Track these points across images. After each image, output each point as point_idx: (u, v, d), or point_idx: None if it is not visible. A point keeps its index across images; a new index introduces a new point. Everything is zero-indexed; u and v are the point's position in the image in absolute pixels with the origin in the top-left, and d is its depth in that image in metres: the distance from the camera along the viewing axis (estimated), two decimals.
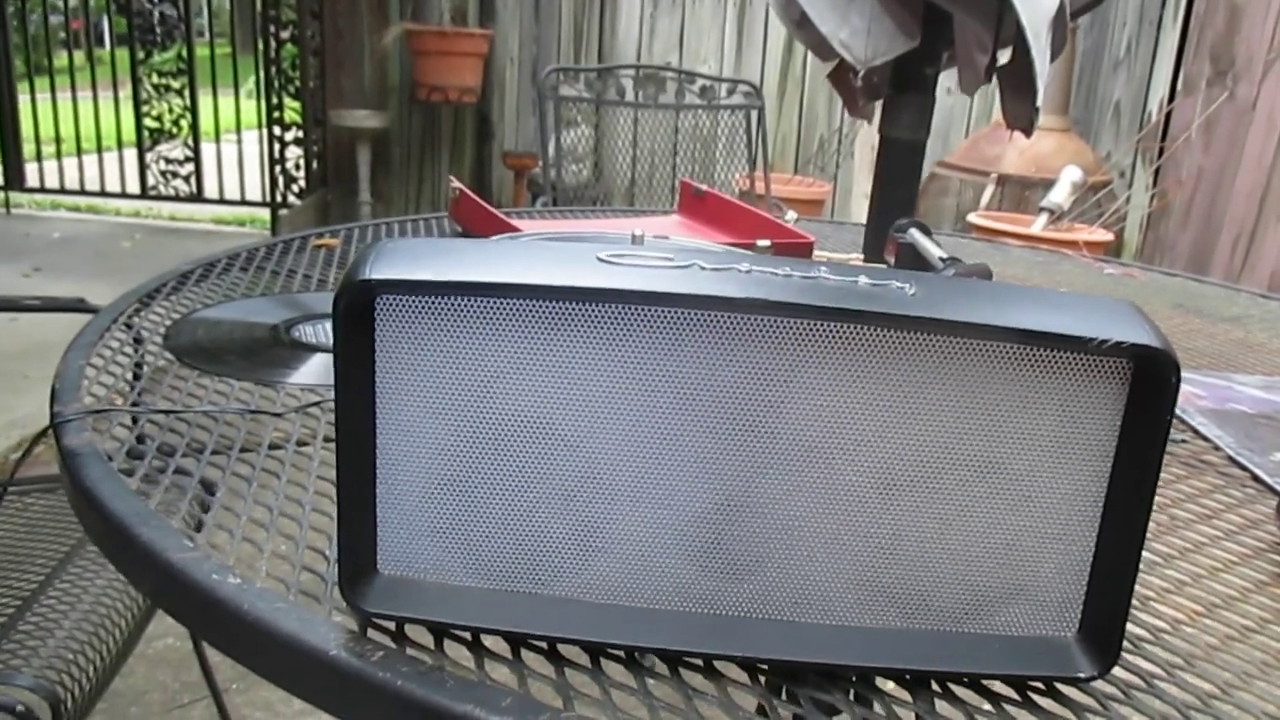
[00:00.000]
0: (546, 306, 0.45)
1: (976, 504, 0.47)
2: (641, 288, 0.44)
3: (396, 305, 0.45)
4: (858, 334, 0.45)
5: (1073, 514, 0.47)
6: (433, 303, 0.45)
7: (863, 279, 0.46)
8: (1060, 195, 2.80)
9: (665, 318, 0.45)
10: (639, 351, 0.45)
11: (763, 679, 0.49)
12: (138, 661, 1.83)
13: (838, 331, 0.44)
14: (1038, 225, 2.78)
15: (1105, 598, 0.48)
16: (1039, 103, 0.92)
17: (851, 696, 0.49)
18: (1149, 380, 0.44)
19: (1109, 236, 2.90)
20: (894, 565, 0.48)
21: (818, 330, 0.44)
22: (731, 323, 0.44)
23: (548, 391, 0.46)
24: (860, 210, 4.32)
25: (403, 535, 0.49)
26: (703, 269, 0.46)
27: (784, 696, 0.48)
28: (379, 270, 0.45)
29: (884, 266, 0.96)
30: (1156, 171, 3.71)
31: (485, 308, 0.45)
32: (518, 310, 0.45)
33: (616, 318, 0.45)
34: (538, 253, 0.48)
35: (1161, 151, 3.66)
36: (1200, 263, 3.42)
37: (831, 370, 0.45)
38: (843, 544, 0.48)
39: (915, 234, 0.88)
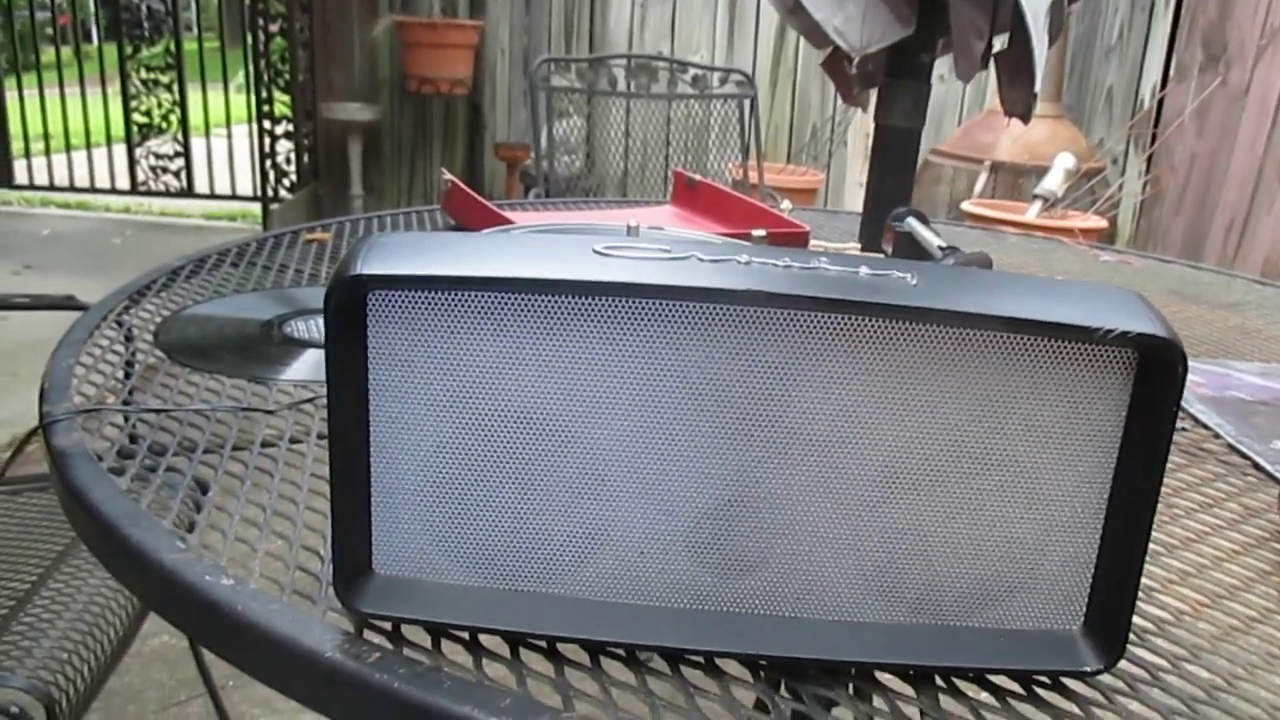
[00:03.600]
0: (542, 300, 0.44)
1: (981, 497, 0.46)
2: (639, 280, 0.43)
3: (388, 301, 0.45)
4: (859, 326, 0.44)
5: (1078, 506, 0.46)
6: (425, 298, 0.44)
7: (864, 269, 0.45)
8: (1054, 182, 2.80)
9: (663, 310, 0.44)
10: (637, 345, 0.44)
11: (764, 675, 0.49)
12: (133, 660, 1.82)
13: (839, 323, 0.44)
14: (1031, 212, 2.77)
15: (1111, 590, 0.47)
16: (1037, 89, 0.91)
17: (853, 692, 0.48)
18: (1155, 370, 0.44)
19: (1103, 223, 2.89)
20: (898, 559, 0.48)
21: (819, 322, 0.44)
22: (731, 315, 0.44)
23: (545, 387, 0.46)
24: (854, 199, 4.31)
25: (398, 535, 0.48)
26: (701, 260, 0.45)
27: (785, 692, 0.47)
28: (370, 265, 0.44)
29: (882, 256, 0.96)
30: (1149, 158, 3.70)
31: (479, 302, 0.44)
32: (512, 305, 0.44)
33: (614, 311, 0.44)
34: (532, 246, 0.47)
35: (1154, 138, 3.66)
36: (1194, 249, 3.42)
37: (833, 362, 0.44)
38: (846, 538, 0.47)
39: (913, 223, 0.87)
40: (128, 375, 0.83)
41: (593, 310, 0.44)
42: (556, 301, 0.44)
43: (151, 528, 0.56)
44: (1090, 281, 0.47)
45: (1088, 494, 0.46)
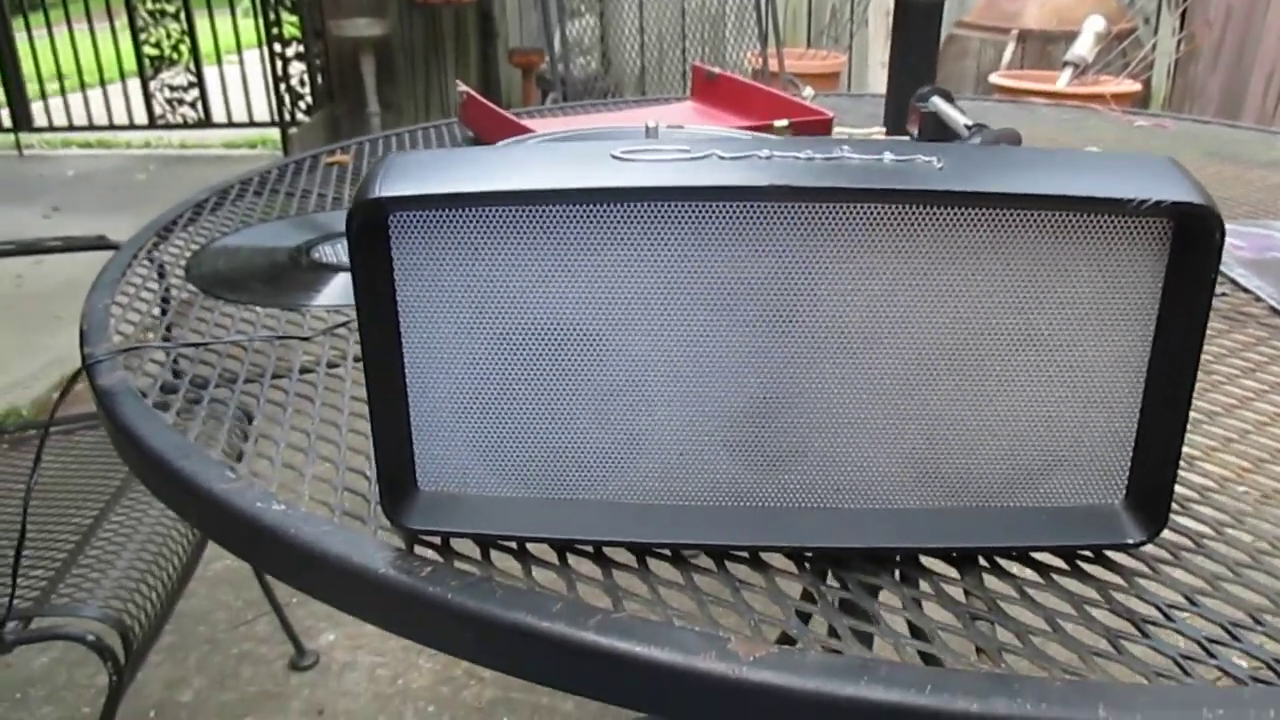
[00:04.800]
0: (562, 211, 0.44)
1: (1016, 377, 0.46)
2: (659, 183, 0.43)
3: (410, 221, 0.44)
4: (885, 214, 0.43)
5: (1116, 380, 0.46)
6: (447, 216, 0.44)
7: (887, 155, 0.44)
8: (1084, 47, 2.71)
9: (686, 212, 0.43)
10: (662, 248, 0.44)
11: (809, 566, 0.49)
12: (199, 583, 1.88)
13: (865, 213, 0.43)
14: (1062, 81, 2.70)
15: (1152, 462, 0.47)
16: None
17: (898, 577, 0.49)
18: (1191, 237, 0.43)
19: (1136, 87, 2.81)
20: (935, 444, 0.48)
21: (845, 213, 0.43)
22: (755, 212, 0.43)
23: (573, 296, 0.45)
24: (878, 80, 4.21)
25: (440, 452, 0.49)
26: (721, 158, 0.44)
27: (832, 581, 0.48)
28: (389, 187, 0.44)
29: (907, 139, 0.94)
30: (1183, 14, 3.57)
31: (500, 217, 0.44)
32: (533, 217, 0.44)
33: (636, 216, 0.44)
34: (550, 156, 0.47)
35: None
36: (1232, 107, 3.31)
37: (862, 253, 0.44)
38: (883, 427, 0.47)
39: (938, 102, 0.85)
40: (163, 311, 0.84)
41: (614, 217, 0.44)
42: (577, 211, 0.44)
43: (201, 459, 0.57)
44: (1121, 151, 0.45)
45: (1126, 367, 0.46)
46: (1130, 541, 0.48)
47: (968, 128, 0.80)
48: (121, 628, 1.06)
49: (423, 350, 0.47)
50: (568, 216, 0.44)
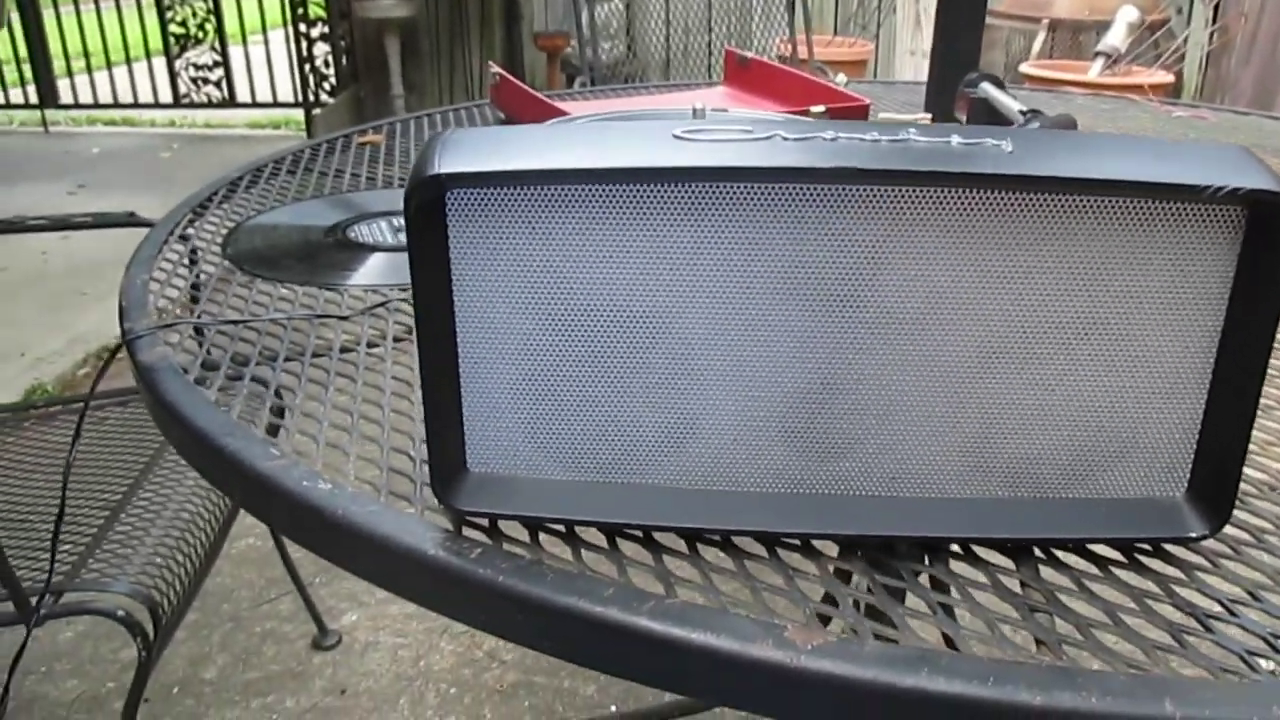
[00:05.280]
0: (626, 190, 0.43)
1: (1080, 366, 0.45)
2: (726, 164, 0.42)
3: (469, 199, 0.44)
4: (954, 198, 0.42)
5: (1182, 371, 0.45)
6: (506, 194, 0.44)
7: (955, 139, 0.43)
8: (1116, 38, 2.69)
9: (751, 193, 0.43)
10: (727, 230, 0.43)
11: (861, 554, 0.49)
12: (223, 561, 1.88)
13: (933, 196, 0.42)
14: (1094, 71, 2.67)
15: (1217, 455, 0.46)
16: None
17: (952, 568, 0.48)
18: (1266, 226, 0.42)
19: (1169, 78, 2.78)
20: (995, 434, 0.47)
21: (912, 196, 0.42)
22: (821, 194, 0.42)
23: (631, 277, 0.45)
24: (905, 68, 4.17)
25: (491, 433, 0.49)
26: (785, 139, 0.43)
27: (884, 570, 0.47)
28: (447, 164, 0.43)
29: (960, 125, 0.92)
30: (1216, 7, 3.52)
31: (561, 196, 0.43)
32: (596, 196, 0.43)
33: (700, 197, 0.43)
34: (608, 134, 0.46)
35: None
36: (1265, 98, 3.27)
37: (927, 237, 0.43)
38: (942, 416, 0.47)
39: (988, 88, 0.83)
40: (198, 288, 0.84)
41: (678, 197, 0.43)
42: (641, 190, 0.43)
43: (245, 436, 0.57)
44: (1193, 139, 0.44)
45: (1193, 358, 0.45)
46: (1193, 535, 0.47)
47: (1023, 114, 0.78)
48: (151, 603, 1.07)
49: (476, 330, 0.47)
50: (629, 196, 0.43)
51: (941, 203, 0.42)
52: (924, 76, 1.15)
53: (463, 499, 0.49)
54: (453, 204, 0.44)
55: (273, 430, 0.61)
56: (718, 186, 0.42)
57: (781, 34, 2.76)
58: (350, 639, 1.72)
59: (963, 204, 0.42)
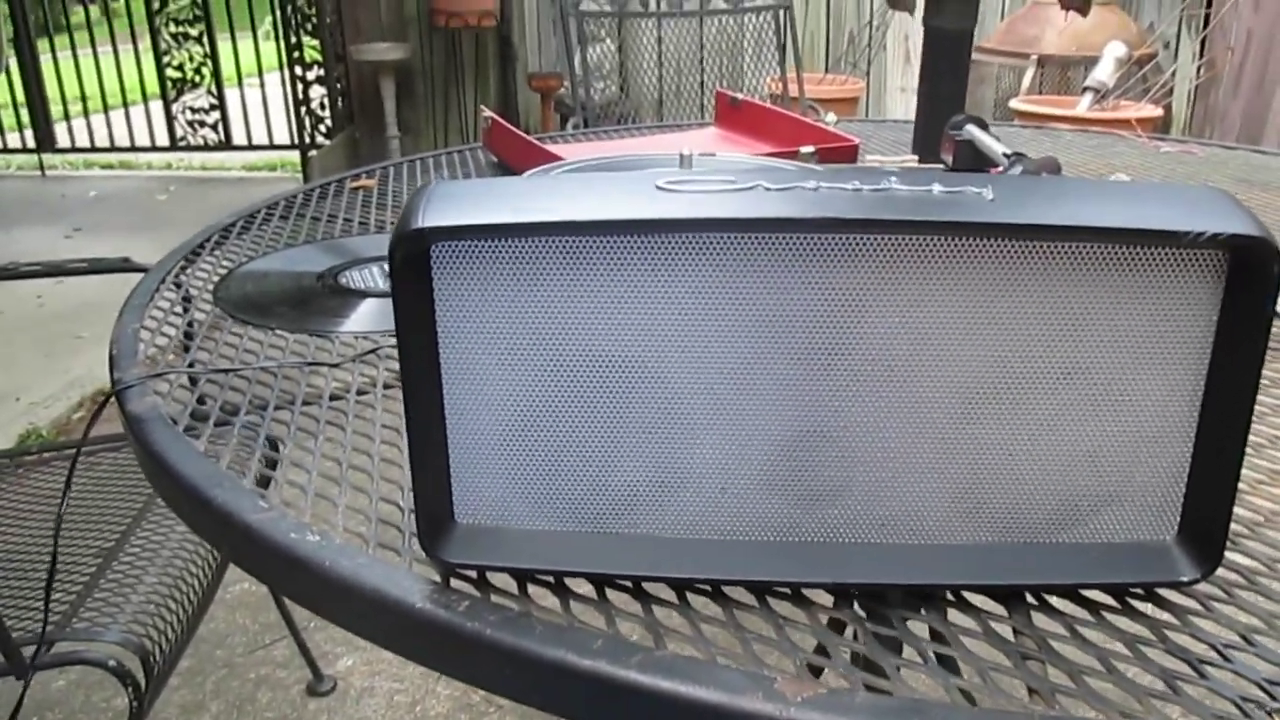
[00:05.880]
0: (609, 241, 0.43)
1: (1066, 412, 0.45)
2: (707, 215, 0.42)
3: (453, 251, 0.44)
4: (937, 245, 0.42)
5: (1168, 415, 0.45)
6: (490, 246, 0.44)
7: (936, 187, 0.43)
8: (1104, 73, 2.71)
9: (734, 243, 0.43)
10: (709, 280, 0.44)
11: (852, 602, 0.48)
12: (217, 606, 1.87)
13: (917, 245, 0.42)
14: (1083, 106, 2.69)
15: (1206, 498, 0.46)
16: None
17: (944, 615, 0.48)
18: (1248, 270, 0.42)
19: (1158, 112, 2.80)
20: (983, 479, 0.47)
21: (896, 245, 0.42)
22: (804, 244, 0.43)
23: (617, 328, 0.45)
24: (896, 105, 4.21)
25: (478, 484, 0.48)
26: (768, 189, 0.44)
27: (875, 617, 0.47)
28: (432, 217, 0.43)
29: (943, 168, 0.93)
30: (1203, 40, 3.56)
31: (544, 248, 0.44)
32: (579, 248, 0.44)
33: (683, 247, 0.43)
34: (591, 185, 0.46)
35: (1207, 19, 3.51)
36: (1253, 131, 3.30)
37: (910, 285, 0.43)
38: (929, 462, 0.46)
39: (973, 130, 0.84)
40: (191, 336, 0.84)
41: (662, 248, 0.43)
42: (624, 241, 0.43)
43: (233, 488, 0.56)
44: (1171, 182, 0.45)
45: (1179, 402, 0.45)
46: (1184, 579, 0.47)
47: (1006, 156, 0.79)
48: (143, 652, 1.06)
49: (462, 381, 0.47)
50: (613, 247, 0.43)
51: (924, 251, 0.42)
52: (914, 114, 1.16)
53: (450, 551, 0.48)
54: (437, 256, 0.44)
55: (263, 481, 0.61)
56: (700, 237, 0.42)
57: (772, 73, 2.78)
58: (346, 684, 1.70)
59: (945, 252, 0.42)
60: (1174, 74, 3.55)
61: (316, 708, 1.65)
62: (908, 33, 4.09)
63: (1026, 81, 3.25)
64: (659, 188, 0.44)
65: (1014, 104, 2.82)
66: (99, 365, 2.82)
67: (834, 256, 0.43)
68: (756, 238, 0.42)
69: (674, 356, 0.45)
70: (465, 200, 0.45)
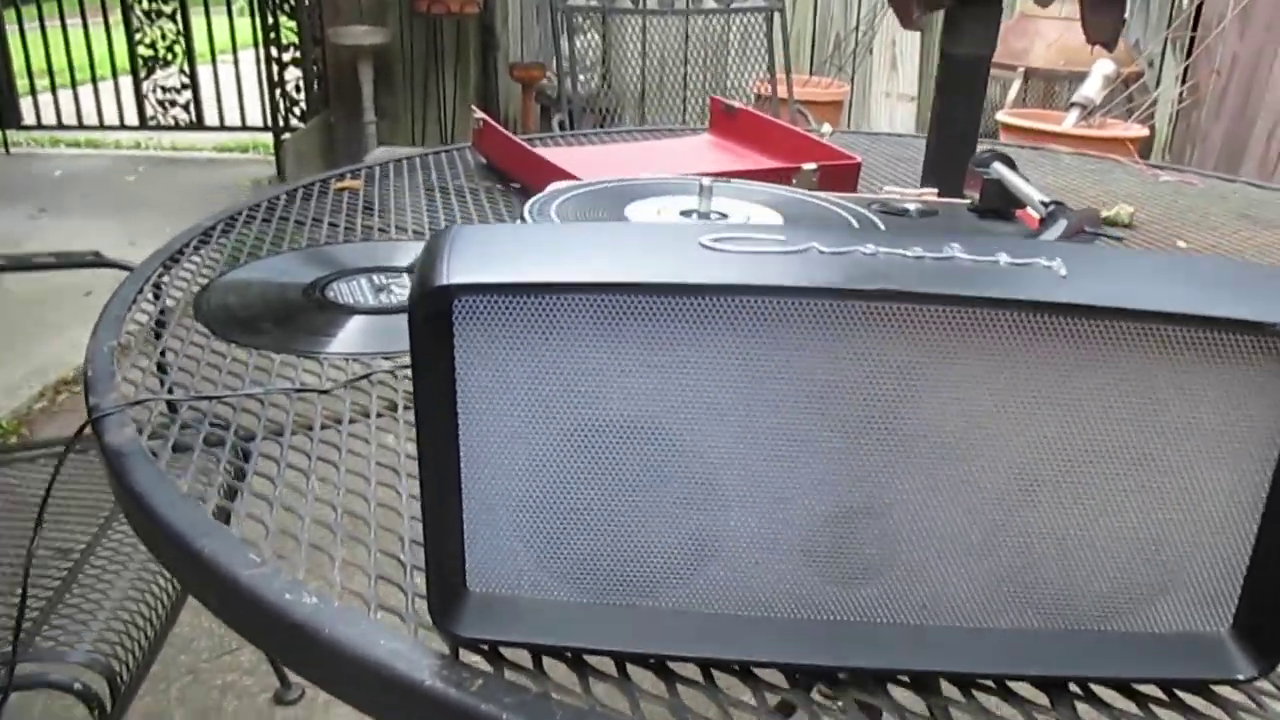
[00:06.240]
0: (648, 302, 0.40)
1: (1125, 498, 0.43)
2: (756, 280, 0.39)
3: (478, 307, 0.41)
4: (1000, 320, 0.40)
5: (1232, 505, 0.43)
6: (520, 303, 0.40)
7: (1003, 257, 0.41)
8: (1092, 89, 2.71)
9: (784, 310, 0.40)
10: (755, 346, 0.40)
11: (889, 688, 0.46)
12: (183, 610, 1.82)
13: (978, 318, 0.39)
14: (1069, 121, 2.69)
15: (1266, 592, 0.43)
16: (1127, 13, 0.84)
17: (984, 704, 0.45)
18: None
19: (1144, 132, 2.80)
20: (1033, 564, 0.44)
21: (956, 317, 0.39)
22: (860, 312, 0.39)
23: (652, 392, 0.42)
24: (881, 110, 4.20)
25: (494, 551, 0.45)
26: (821, 253, 0.41)
27: (916, 705, 0.44)
28: (457, 272, 0.40)
29: (967, 203, 0.89)
30: (1187, 66, 3.57)
31: (580, 306, 0.40)
32: (616, 307, 0.40)
33: (728, 311, 0.40)
34: (629, 238, 0.43)
35: (1193, 42, 3.52)
36: (1233, 155, 3.32)
37: (970, 360, 0.40)
38: (977, 543, 0.44)
39: (1000, 169, 0.81)
40: (166, 354, 0.80)
41: (705, 310, 0.40)
42: (666, 303, 0.40)
43: (223, 539, 0.53)
44: (1247, 260, 0.42)
45: (1243, 492, 0.42)
46: (1239, 677, 0.44)
47: (1044, 204, 0.76)
48: (109, 673, 1.01)
49: (480, 442, 0.43)
50: (654, 308, 0.40)
51: (986, 325, 0.40)
52: (900, 123, 1.14)
53: (463, 624, 0.45)
54: (461, 313, 0.41)
55: (250, 523, 0.57)
56: (748, 300, 0.39)
57: (757, 74, 2.76)
58: (313, 693, 1.66)
59: (1009, 327, 0.40)
60: (1157, 94, 3.56)
61: (283, 717, 1.61)
62: (894, 38, 4.07)
63: (1012, 94, 3.25)
64: (703, 245, 0.41)
65: (1001, 116, 2.81)
66: (64, 352, 2.74)
67: (892, 327, 0.40)
68: (807, 304, 0.39)
69: (712, 424, 0.42)
70: (491, 250, 0.42)
